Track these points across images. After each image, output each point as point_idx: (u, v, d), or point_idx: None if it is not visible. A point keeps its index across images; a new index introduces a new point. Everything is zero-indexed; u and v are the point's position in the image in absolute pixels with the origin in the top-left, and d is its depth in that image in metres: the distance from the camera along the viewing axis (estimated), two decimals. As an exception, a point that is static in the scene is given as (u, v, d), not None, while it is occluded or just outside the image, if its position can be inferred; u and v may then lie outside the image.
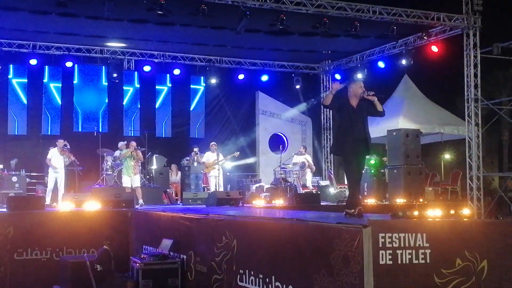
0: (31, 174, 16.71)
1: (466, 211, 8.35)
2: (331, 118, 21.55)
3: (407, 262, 5.95)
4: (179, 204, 16.12)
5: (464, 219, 7.36)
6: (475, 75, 15.88)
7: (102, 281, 9.55)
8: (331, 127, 21.50)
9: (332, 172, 20.72)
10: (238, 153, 18.21)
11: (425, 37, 17.07)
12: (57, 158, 14.81)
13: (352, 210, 7.60)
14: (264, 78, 20.98)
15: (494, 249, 6.40)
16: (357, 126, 7.82)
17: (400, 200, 14.94)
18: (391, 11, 15.81)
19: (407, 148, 15.47)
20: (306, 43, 18.14)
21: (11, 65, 19.01)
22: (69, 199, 13.30)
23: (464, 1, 15.94)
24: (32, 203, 12.40)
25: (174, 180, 18.48)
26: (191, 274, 9.33)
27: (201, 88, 21.85)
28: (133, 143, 15.08)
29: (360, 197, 8.03)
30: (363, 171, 8.14)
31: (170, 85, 21.64)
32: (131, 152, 14.79)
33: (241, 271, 7.91)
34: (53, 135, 18.58)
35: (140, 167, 15.54)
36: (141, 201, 14.50)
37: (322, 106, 18.76)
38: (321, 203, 14.84)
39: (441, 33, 16.93)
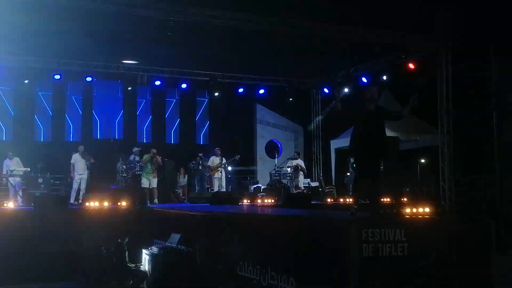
0: (55, 176, 16.72)
1: (439, 210, 8.38)
2: (320, 126, 21.59)
3: (387, 254, 5.98)
4: (186, 203, 16.12)
5: (438, 217, 7.39)
6: (447, 89, 15.91)
7: (117, 270, 9.56)
8: (320, 135, 21.55)
9: (321, 175, 20.72)
10: (239, 156, 18.24)
11: (403, 56, 17.12)
12: (79, 162, 14.83)
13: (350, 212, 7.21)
14: (261, 91, 21.02)
15: (464, 243, 6.43)
16: (373, 130, 7.44)
17: (380, 200, 14.92)
18: (374, 32, 15.83)
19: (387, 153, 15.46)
20: (298, 60, 18.16)
21: (37, 81, 19.03)
22: (89, 198, 13.35)
23: (438, 23, 15.98)
24: (56, 202, 12.45)
25: (182, 181, 18.49)
26: (197, 264, 9.34)
27: (205, 100, 21.91)
28: (154, 150, 15.11)
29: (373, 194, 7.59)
30: (379, 174, 7.72)
31: (178, 97, 21.68)
32: (151, 158, 14.82)
33: (240, 262, 7.92)
34: (75, 142, 18.61)
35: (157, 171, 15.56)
36: (156, 200, 14.53)
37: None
38: (312, 202, 14.83)
39: (417, 52, 16.97)
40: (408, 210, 6.81)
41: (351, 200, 15.29)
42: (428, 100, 17.47)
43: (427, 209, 7.19)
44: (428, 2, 14.10)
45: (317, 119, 21.65)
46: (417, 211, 6.89)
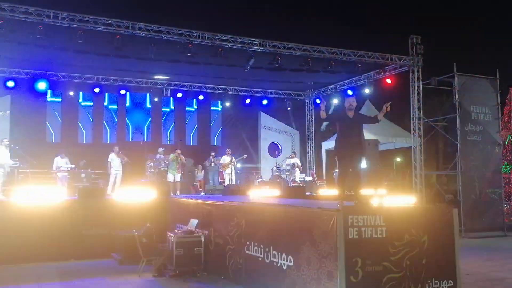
0: (95, 171, 16.74)
1: (412, 200, 8.33)
2: (313, 131, 21.56)
3: (369, 236, 5.97)
4: (202, 194, 16.10)
5: (410, 206, 7.36)
6: (418, 100, 15.88)
7: (146, 250, 9.54)
8: (313, 138, 21.52)
9: (314, 171, 20.67)
10: (246, 155, 18.22)
11: (381, 73, 17.11)
12: (115, 160, 14.83)
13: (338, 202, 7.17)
14: (265, 102, 21.01)
15: (432, 227, 6.42)
16: (353, 132, 7.38)
17: (364, 192, 14.86)
18: (357, 53, 15.84)
19: (369, 153, 15.42)
20: (295, 77, 18.16)
21: (81, 92, 19.09)
22: (123, 190, 13.34)
23: (410, 46, 15.98)
24: (96, 193, 12.43)
25: (199, 176, 18.48)
26: (211, 245, 9.32)
27: (218, 109, 21.91)
28: (178, 151, 15.07)
29: (343, 190, 7.51)
30: (359, 169, 7.66)
31: (196, 107, 21.72)
32: (176, 157, 14.83)
33: (247, 243, 7.91)
34: (111, 143, 18.65)
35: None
36: (178, 192, 14.53)
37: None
38: (306, 194, 14.78)
39: (393, 70, 16.94)
40: (386, 200, 6.78)
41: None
42: (402, 109, 17.47)
43: (401, 199, 7.14)
44: (402, 29, 14.11)
45: (311, 125, 21.63)
46: (393, 201, 6.85)
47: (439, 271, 6.29)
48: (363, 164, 15.75)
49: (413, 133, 16.00)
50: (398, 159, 26.20)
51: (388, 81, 17.06)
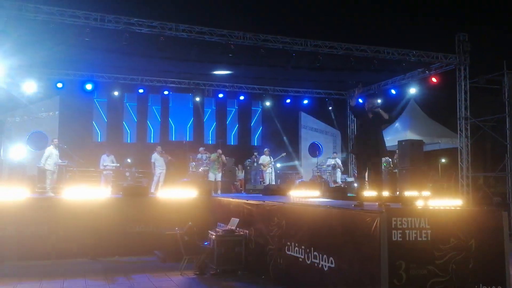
0: (139, 170, 17.07)
1: (458, 202, 8.07)
2: (355, 131, 21.25)
3: (413, 239, 5.84)
4: (243, 193, 16.17)
5: (457, 208, 7.13)
6: (465, 100, 15.40)
7: (188, 248, 9.67)
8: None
9: (356, 172, 20.39)
10: (284, 154, 18.20)
11: (426, 71, 16.65)
12: (158, 160, 15.07)
13: (355, 203, 7.26)
14: (305, 101, 20.88)
15: (480, 231, 6.21)
16: (369, 133, 7.39)
17: (407, 193, 14.54)
18: (401, 51, 15.49)
19: (412, 154, 15.09)
20: (337, 76, 17.95)
21: (125, 93, 19.56)
22: (166, 189, 13.55)
23: (456, 43, 15.50)
24: (139, 191, 12.67)
25: (240, 176, 18.58)
26: (252, 244, 9.35)
27: (259, 109, 21.96)
28: (219, 151, 15.22)
29: (363, 192, 7.59)
30: (378, 170, 7.66)
31: (237, 107, 21.82)
32: (217, 157, 14.99)
33: (288, 243, 7.89)
34: (154, 143, 19.00)
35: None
36: (219, 191, 14.66)
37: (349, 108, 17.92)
38: (348, 195, 14.58)
39: (439, 68, 16.47)
40: (431, 202, 6.59)
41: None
42: (448, 109, 16.97)
43: (447, 202, 6.92)
44: (448, 26, 13.69)
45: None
46: (439, 203, 6.66)
47: (487, 276, 6.07)
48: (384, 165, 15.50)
49: (460, 134, 15.52)
50: (443, 160, 25.45)
51: (434, 80, 16.59)
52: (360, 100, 8.55)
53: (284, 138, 21.43)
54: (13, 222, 10.60)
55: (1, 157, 13.94)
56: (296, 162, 21.45)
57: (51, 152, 13.39)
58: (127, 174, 16.20)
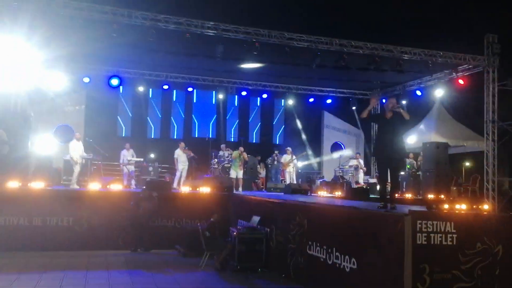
0: (162, 165, 17.21)
1: (485, 207, 7.92)
2: (377, 131, 20.99)
3: (438, 243, 5.75)
4: (264, 191, 16.19)
5: (484, 213, 7.00)
6: (493, 103, 15.04)
7: (209, 243, 9.72)
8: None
9: (378, 173, 20.17)
10: (305, 152, 18.14)
11: (453, 73, 16.34)
12: (181, 156, 15.17)
13: (379, 205, 7.12)
14: (329, 101, 20.75)
15: (507, 236, 6.08)
16: (387, 135, 7.25)
17: (431, 196, 14.34)
18: (428, 52, 15.23)
19: (437, 156, 14.85)
20: (361, 75, 17.74)
21: (150, 89, 19.74)
22: (188, 184, 13.64)
23: (485, 45, 15.16)
24: (162, 186, 12.76)
25: (261, 173, 18.59)
26: (273, 242, 9.34)
27: (281, 107, 21.90)
28: (241, 148, 15.29)
29: (386, 193, 7.48)
30: (398, 173, 7.58)
31: (260, 105, 21.83)
32: (239, 154, 15.04)
33: (309, 243, 7.86)
34: (178, 139, 19.12)
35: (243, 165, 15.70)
36: (240, 188, 14.70)
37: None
38: (370, 196, 14.46)
39: (466, 70, 16.14)
40: (457, 206, 6.48)
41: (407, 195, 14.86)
42: (475, 111, 16.63)
43: (473, 206, 6.80)
44: (477, 27, 13.38)
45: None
46: (464, 207, 6.54)
47: (514, 283, 5.94)
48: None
49: (486, 137, 15.19)
50: (468, 164, 24.99)
51: (461, 81, 16.27)
52: (384, 100, 8.45)
53: (307, 137, 21.34)
54: (38, 213, 10.82)
55: (29, 150, 14.24)
56: (318, 161, 21.34)
57: (75, 146, 13.62)
58: (150, 169, 16.36)
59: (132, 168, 15.79)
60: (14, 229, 10.63)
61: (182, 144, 15.55)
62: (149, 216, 11.35)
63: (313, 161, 21.05)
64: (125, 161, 15.71)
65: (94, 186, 12.52)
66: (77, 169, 13.54)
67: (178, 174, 14.99)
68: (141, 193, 11.67)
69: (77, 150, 13.65)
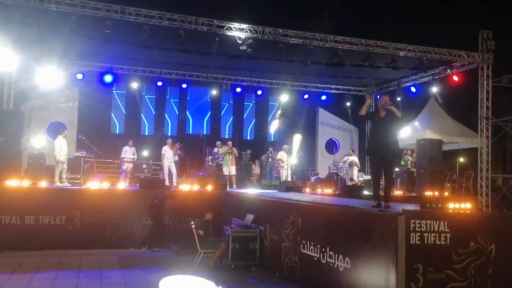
0: (156, 163, 17.14)
1: (477, 205, 7.92)
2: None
3: (432, 242, 5.75)
4: (258, 188, 16.13)
5: (477, 211, 6.98)
6: (487, 99, 15.05)
7: (203, 242, 9.68)
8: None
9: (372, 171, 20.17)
10: (302, 153, 18.07)
11: (448, 70, 16.35)
12: (168, 152, 15.07)
13: (373, 204, 7.05)
14: (323, 97, 20.72)
15: (500, 235, 6.08)
16: (381, 133, 7.21)
17: (426, 193, 14.34)
18: (422, 49, 15.23)
19: (431, 153, 14.85)
20: (356, 72, 17.74)
21: (144, 86, 19.63)
22: (182, 182, 13.56)
23: (480, 41, 15.16)
24: (156, 183, 12.72)
25: (255, 171, 18.54)
26: (267, 241, 9.32)
27: (276, 104, 21.85)
28: (230, 143, 15.22)
29: (379, 192, 7.39)
30: (392, 170, 7.54)
31: (254, 101, 21.79)
32: (228, 150, 14.96)
33: (303, 241, 7.84)
34: (172, 136, 19.03)
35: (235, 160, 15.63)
36: (234, 185, 14.63)
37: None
38: (364, 193, 14.44)
39: (461, 67, 16.16)
40: (451, 205, 6.46)
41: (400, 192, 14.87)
42: (469, 108, 16.65)
43: (468, 205, 6.77)
44: (471, 23, 13.37)
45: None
46: (458, 206, 6.51)
47: (507, 283, 5.94)
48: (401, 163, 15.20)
49: (480, 134, 15.22)
50: (462, 160, 25.03)
51: (455, 78, 16.29)
52: (378, 97, 8.40)
53: (301, 133, 21.31)
54: (31, 212, 10.73)
55: (22, 147, 14.12)
56: (313, 158, 21.32)
57: (62, 143, 13.30)
58: (144, 166, 16.27)
59: (130, 166, 15.70)
60: (6, 228, 10.53)
61: (170, 141, 15.46)
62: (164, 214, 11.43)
63: (308, 158, 21.00)
64: (125, 158, 15.60)
65: (87, 183, 12.42)
66: (59, 167, 13.03)
67: (166, 170, 14.89)
68: (166, 191, 11.76)
69: (63, 148, 13.26)
